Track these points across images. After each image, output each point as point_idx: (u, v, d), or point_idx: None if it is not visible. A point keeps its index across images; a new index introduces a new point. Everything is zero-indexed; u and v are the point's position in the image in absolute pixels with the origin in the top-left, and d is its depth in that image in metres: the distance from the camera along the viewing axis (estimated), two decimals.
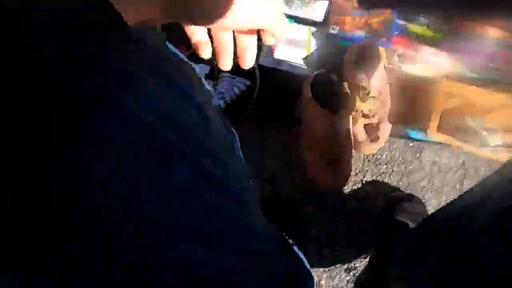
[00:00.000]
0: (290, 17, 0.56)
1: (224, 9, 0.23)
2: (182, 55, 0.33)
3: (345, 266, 0.67)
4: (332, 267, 0.67)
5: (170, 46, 0.31)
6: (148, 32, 0.24)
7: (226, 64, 0.31)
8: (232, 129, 0.36)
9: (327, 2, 0.55)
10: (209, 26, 0.26)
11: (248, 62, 0.31)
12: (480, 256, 0.33)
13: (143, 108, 0.20)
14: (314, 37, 0.72)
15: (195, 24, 0.26)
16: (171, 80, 0.24)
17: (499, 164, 0.66)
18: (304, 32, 0.73)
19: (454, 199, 0.47)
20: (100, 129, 0.18)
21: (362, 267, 0.66)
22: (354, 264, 0.67)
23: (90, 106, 0.17)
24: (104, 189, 0.18)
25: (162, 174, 0.21)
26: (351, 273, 0.67)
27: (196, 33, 0.30)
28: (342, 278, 0.67)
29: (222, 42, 0.30)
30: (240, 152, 0.37)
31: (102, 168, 0.18)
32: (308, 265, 0.54)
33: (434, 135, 0.62)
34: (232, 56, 0.31)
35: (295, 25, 0.73)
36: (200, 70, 0.66)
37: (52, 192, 0.16)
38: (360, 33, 0.70)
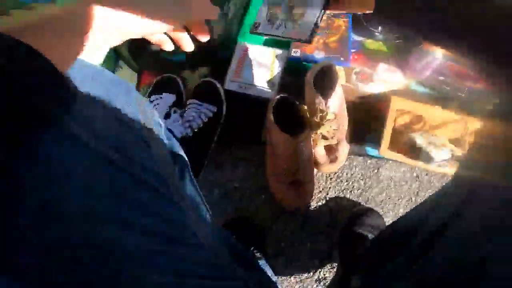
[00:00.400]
0: (271, 36, 0.57)
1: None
2: (131, 84, 0.36)
3: (315, 277, 0.72)
4: (303, 278, 0.72)
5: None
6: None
7: (189, 45, 0.41)
8: (183, 156, 0.38)
9: (314, 19, 0.51)
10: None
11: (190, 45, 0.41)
12: (427, 263, 0.37)
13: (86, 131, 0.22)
14: (278, 60, 0.75)
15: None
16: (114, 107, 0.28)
17: (450, 177, 0.72)
18: (268, 55, 0.76)
19: (409, 211, 0.52)
20: (44, 148, 0.19)
21: (331, 277, 0.71)
22: (324, 274, 0.72)
23: (36, 125, 0.19)
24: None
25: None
26: (322, 283, 0.72)
27: (156, 35, 0.39)
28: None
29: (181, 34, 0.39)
30: (191, 181, 0.39)
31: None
32: (274, 277, 0.58)
33: (385, 153, 0.66)
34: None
35: (260, 47, 0.77)
36: (167, 98, 0.69)
37: None
38: (319, 54, 0.74)
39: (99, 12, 0.29)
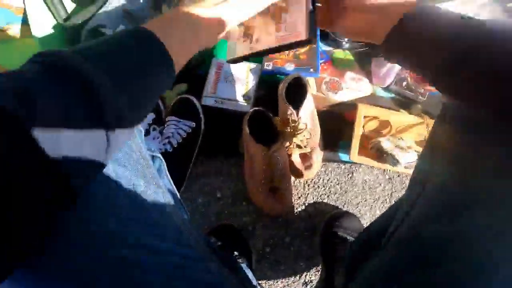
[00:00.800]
0: (256, 54, 0.45)
1: None
2: None
3: (302, 280, 0.74)
4: (290, 281, 0.74)
5: None
6: None
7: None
8: (159, 157, 0.43)
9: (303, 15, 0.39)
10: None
11: None
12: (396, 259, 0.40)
13: None
14: (252, 74, 0.79)
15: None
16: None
17: None
18: (243, 70, 0.80)
19: (381, 214, 0.56)
20: None
21: (317, 280, 0.73)
22: (310, 277, 0.74)
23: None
24: None
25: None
26: (308, 286, 0.74)
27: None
28: None
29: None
30: (167, 178, 0.44)
31: None
32: (255, 282, 0.60)
33: (355, 159, 0.70)
34: None
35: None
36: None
37: None
38: (290, 67, 0.78)
39: None
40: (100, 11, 0.72)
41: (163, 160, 0.43)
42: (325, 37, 0.84)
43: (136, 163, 0.34)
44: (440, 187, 0.34)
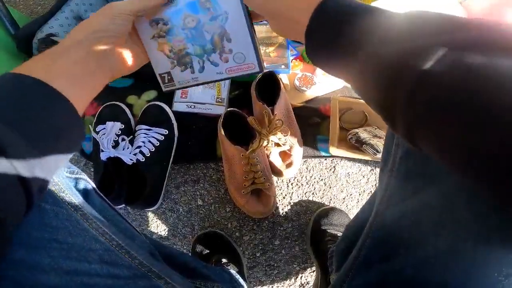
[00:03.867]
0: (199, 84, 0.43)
1: None
2: None
3: (298, 282, 0.70)
4: (285, 285, 0.70)
5: None
6: None
7: None
8: (85, 180, 0.41)
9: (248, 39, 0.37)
10: None
11: None
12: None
13: None
14: None
15: None
16: None
17: None
18: None
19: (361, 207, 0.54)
20: None
21: (313, 281, 0.70)
22: (306, 279, 0.71)
23: None
24: None
25: None
26: None
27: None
28: None
29: None
30: (99, 200, 0.42)
31: None
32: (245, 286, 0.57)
33: (334, 152, 0.69)
34: None
35: None
36: (113, 127, 0.67)
37: None
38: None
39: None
40: (51, 19, 0.68)
41: (89, 181, 0.40)
42: None
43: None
44: (402, 174, 0.33)
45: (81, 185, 0.38)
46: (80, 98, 0.31)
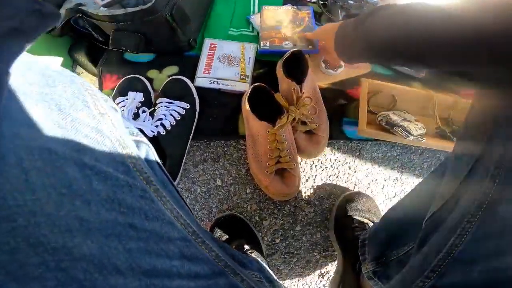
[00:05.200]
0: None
1: None
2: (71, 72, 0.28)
3: (317, 271, 0.66)
4: (304, 274, 0.66)
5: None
6: None
7: None
8: (145, 142, 0.32)
9: None
10: None
11: None
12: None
13: None
14: (247, 53, 0.75)
15: None
16: None
17: (429, 152, 0.73)
18: (237, 50, 0.75)
19: (406, 197, 0.52)
20: None
21: (334, 270, 0.66)
22: (326, 268, 0.67)
23: None
24: None
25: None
26: (325, 278, 0.67)
27: None
28: (317, 283, 0.66)
29: None
30: (158, 165, 0.33)
31: None
32: (274, 277, 0.52)
33: (363, 133, 0.66)
34: None
35: (228, 42, 0.76)
36: (135, 97, 0.64)
37: None
38: (288, 45, 0.75)
39: None
40: None
41: (151, 146, 0.32)
42: (319, 19, 0.83)
43: (112, 156, 0.25)
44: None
45: (143, 151, 0.30)
46: None
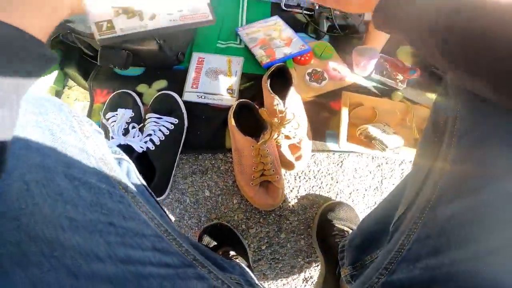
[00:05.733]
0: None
1: None
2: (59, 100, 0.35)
3: (302, 276, 0.70)
4: (289, 279, 0.70)
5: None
6: None
7: None
8: (125, 159, 0.39)
9: None
10: None
11: None
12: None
13: None
14: (234, 67, 0.77)
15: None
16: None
17: (408, 162, 0.76)
18: (225, 63, 0.78)
19: (376, 206, 0.55)
20: None
21: (317, 275, 0.70)
22: (310, 273, 0.71)
23: None
24: None
25: None
26: (309, 282, 0.71)
27: None
28: (301, 287, 0.70)
29: None
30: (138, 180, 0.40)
31: None
32: (256, 281, 0.56)
33: (344, 146, 0.69)
34: None
35: (216, 56, 0.78)
36: (124, 114, 0.66)
37: None
38: (285, 52, 0.77)
39: None
40: None
41: (131, 162, 0.38)
42: (305, 29, 0.85)
43: (95, 170, 0.31)
44: (451, 167, 0.33)
45: (124, 166, 0.37)
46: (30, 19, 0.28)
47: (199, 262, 0.35)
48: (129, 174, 0.38)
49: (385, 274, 0.36)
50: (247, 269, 0.59)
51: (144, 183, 0.40)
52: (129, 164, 0.38)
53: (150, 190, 0.40)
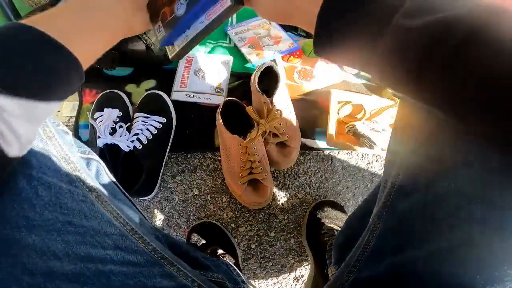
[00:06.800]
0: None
1: None
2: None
3: (292, 275, 0.70)
4: (280, 278, 0.70)
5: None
6: None
7: None
8: (95, 159, 0.40)
9: None
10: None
11: None
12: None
13: None
14: (223, 66, 0.77)
15: None
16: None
17: None
18: (213, 62, 0.78)
19: (359, 204, 0.54)
20: None
21: (308, 274, 0.70)
22: (300, 272, 0.70)
23: None
24: None
25: None
26: (300, 281, 0.70)
27: None
28: (292, 286, 0.70)
29: None
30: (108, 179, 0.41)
31: None
32: (242, 277, 0.56)
33: (332, 144, 0.69)
34: None
35: (205, 55, 0.78)
36: (111, 114, 0.66)
37: None
38: (276, 52, 0.77)
39: None
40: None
41: (101, 162, 0.39)
42: (295, 28, 0.85)
43: (56, 169, 0.31)
44: (413, 165, 0.33)
45: (93, 166, 0.38)
46: (81, 44, 0.31)
47: (168, 260, 0.35)
48: (98, 174, 0.38)
49: (354, 271, 0.36)
50: (235, 268, 0.59)
51: (116, 182, 0.40)
52: (99, 164, 0.39)
53: (123, 190, 0.40)
